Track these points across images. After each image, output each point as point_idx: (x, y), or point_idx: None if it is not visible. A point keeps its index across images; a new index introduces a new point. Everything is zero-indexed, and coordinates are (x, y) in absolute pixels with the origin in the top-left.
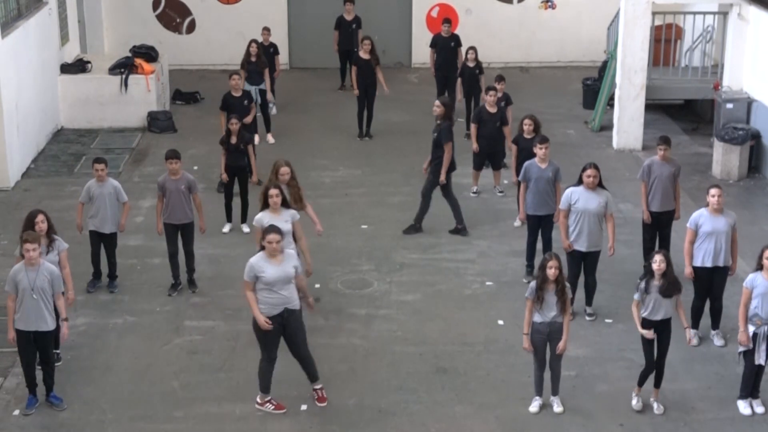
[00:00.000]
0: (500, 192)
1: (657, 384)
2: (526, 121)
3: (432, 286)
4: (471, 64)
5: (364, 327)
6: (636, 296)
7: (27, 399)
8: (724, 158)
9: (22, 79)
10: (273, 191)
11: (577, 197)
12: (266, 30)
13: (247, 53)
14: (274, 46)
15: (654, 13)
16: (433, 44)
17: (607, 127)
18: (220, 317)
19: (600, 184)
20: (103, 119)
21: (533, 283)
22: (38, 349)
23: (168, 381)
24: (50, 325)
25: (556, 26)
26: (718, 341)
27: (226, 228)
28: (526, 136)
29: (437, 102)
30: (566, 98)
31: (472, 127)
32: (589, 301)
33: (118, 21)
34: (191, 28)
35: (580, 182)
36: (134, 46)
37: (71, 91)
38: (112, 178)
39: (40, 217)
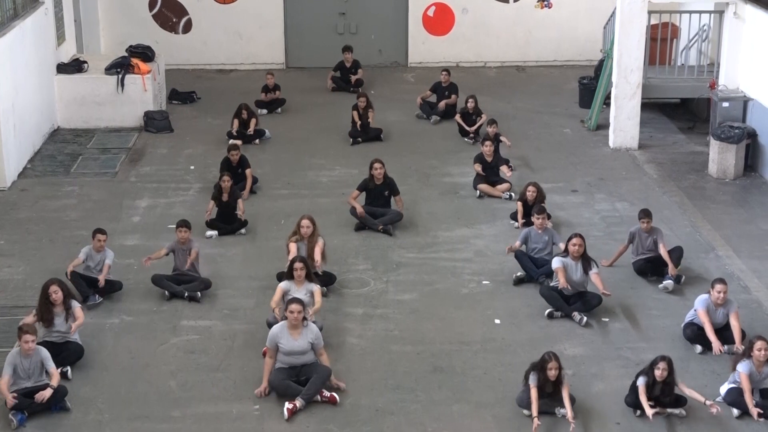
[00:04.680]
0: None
1: None
2: (530, 188)
3: (429, 285)
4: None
5: (361, 326)
6: (640, 381)
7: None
8: (720, 157)
9: (18, 79)
10: (298, 264)
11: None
12: (270, 74)
13: (238, 112)
14: (277, 86)
15: (650, 12)
16: (433, 90)
17: (603, 126)
18: (217, 317)
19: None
20: (100, 119)
21: (535, 376)
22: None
23: (165, 380)
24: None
25: (553, 25)
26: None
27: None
28: (530, 203)
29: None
30: (563, 97)
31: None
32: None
33: (115, 21)
34: (188, 27)
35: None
36: (131, 46)
37: (68, 91)
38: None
39: (53, 288)
